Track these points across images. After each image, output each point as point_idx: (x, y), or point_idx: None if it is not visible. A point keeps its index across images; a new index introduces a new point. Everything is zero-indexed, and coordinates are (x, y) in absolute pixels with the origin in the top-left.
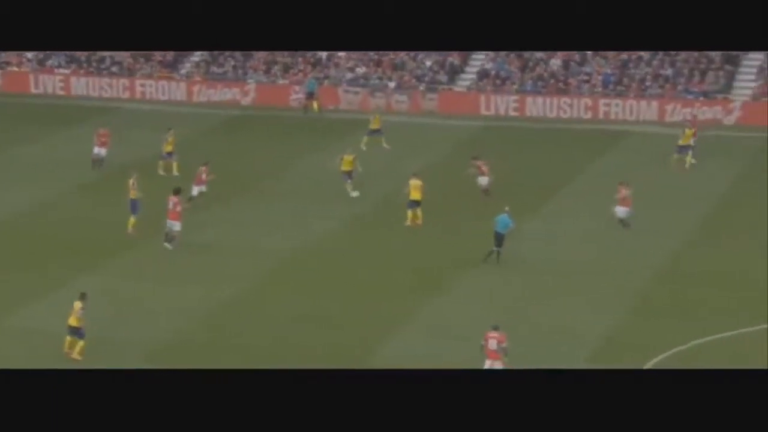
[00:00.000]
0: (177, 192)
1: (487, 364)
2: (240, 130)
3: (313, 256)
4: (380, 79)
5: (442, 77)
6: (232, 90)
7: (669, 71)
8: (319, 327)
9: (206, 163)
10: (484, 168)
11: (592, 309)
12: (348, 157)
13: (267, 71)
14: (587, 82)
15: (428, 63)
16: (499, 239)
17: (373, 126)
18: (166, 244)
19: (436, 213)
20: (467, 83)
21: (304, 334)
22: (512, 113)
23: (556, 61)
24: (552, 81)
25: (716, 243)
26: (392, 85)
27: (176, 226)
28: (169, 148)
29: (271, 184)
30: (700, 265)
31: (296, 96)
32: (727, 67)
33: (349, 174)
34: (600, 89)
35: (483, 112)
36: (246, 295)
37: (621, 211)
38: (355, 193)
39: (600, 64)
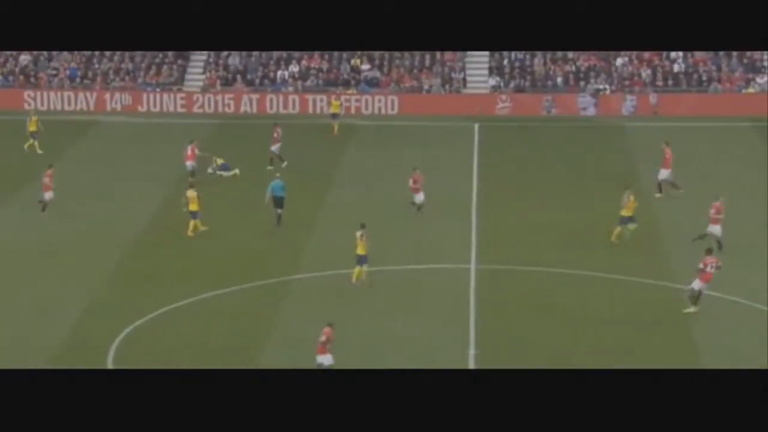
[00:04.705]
0: None
1: None
2: None
3: None
4: None
5: None
6: None
7: (130, 65)
8: None
9: (193, 140)
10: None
11: (74, 283)
12: None
13: None
14: (56, 76)
15: None
16: (280, 201)
17: (31, 128)
18: None
19: None
20: None
21: None
22: None
23: (25, 56)
24: (22, 76)
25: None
26: None
27: None
28: None
29: None
30: (163, 238)
31: None
32: (180, 61)
33: None
34: (68, 82)
35: None
36: None
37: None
38: None
39: (66, 60)
